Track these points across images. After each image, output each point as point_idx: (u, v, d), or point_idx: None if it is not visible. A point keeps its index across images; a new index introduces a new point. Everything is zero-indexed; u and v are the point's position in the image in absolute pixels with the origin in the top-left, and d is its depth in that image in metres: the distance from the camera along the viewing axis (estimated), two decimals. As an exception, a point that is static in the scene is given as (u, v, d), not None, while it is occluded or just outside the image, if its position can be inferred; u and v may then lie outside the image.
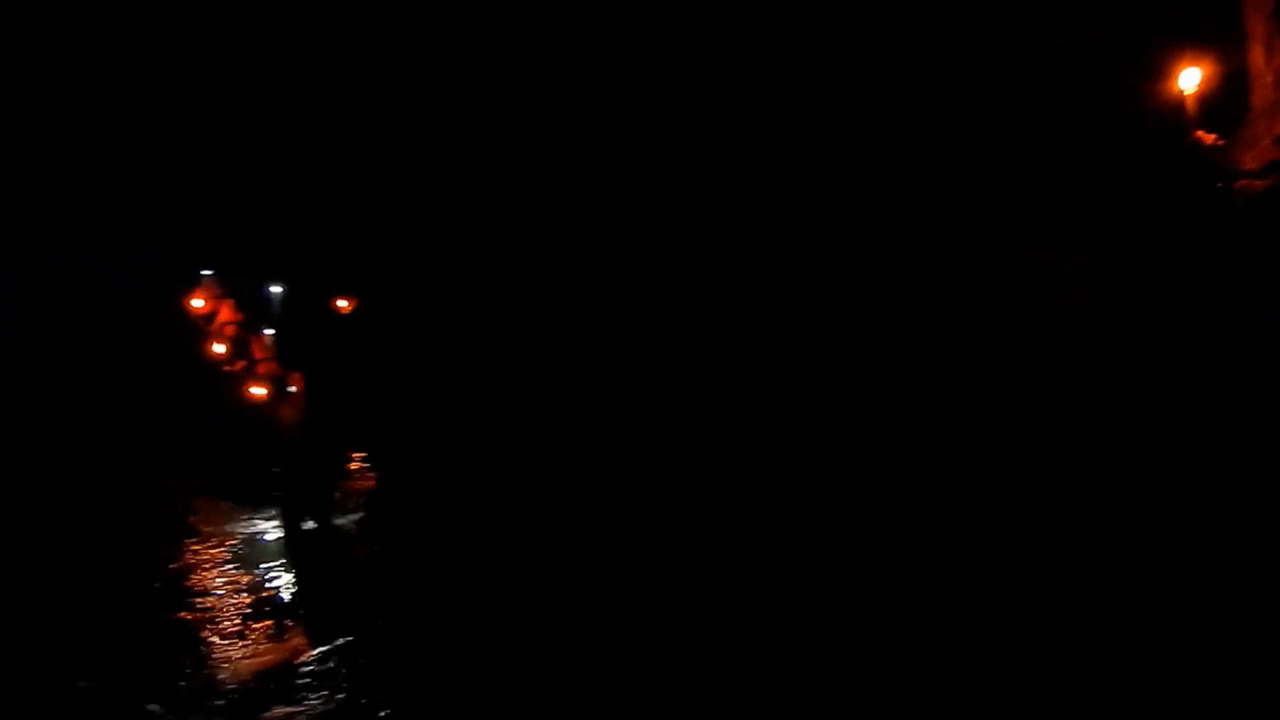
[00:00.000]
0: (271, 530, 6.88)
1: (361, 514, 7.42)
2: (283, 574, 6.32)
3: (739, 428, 8.89)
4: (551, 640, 5.30)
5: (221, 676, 5.14)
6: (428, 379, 10.69)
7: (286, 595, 6.08)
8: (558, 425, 9.23)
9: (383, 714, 4.57)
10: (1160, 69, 8.90)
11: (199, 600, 6.19)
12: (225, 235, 12.69)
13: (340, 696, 4.77)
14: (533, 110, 14.41)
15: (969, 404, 8.34)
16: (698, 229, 13.26)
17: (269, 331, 9.18)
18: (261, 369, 7.54)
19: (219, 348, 9.20)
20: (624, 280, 12.91)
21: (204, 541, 7.19)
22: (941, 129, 11.22)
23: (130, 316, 11.24)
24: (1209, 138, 8.46)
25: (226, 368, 9.03)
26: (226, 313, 9.62)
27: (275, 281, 10.35)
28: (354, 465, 8.51)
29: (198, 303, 10.07)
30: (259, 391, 6.20)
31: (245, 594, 6.19)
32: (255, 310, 9.74)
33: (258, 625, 5.74)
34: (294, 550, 6.31)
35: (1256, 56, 8.07)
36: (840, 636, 5.10)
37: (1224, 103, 8.62)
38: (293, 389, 6.10)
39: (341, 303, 11.28)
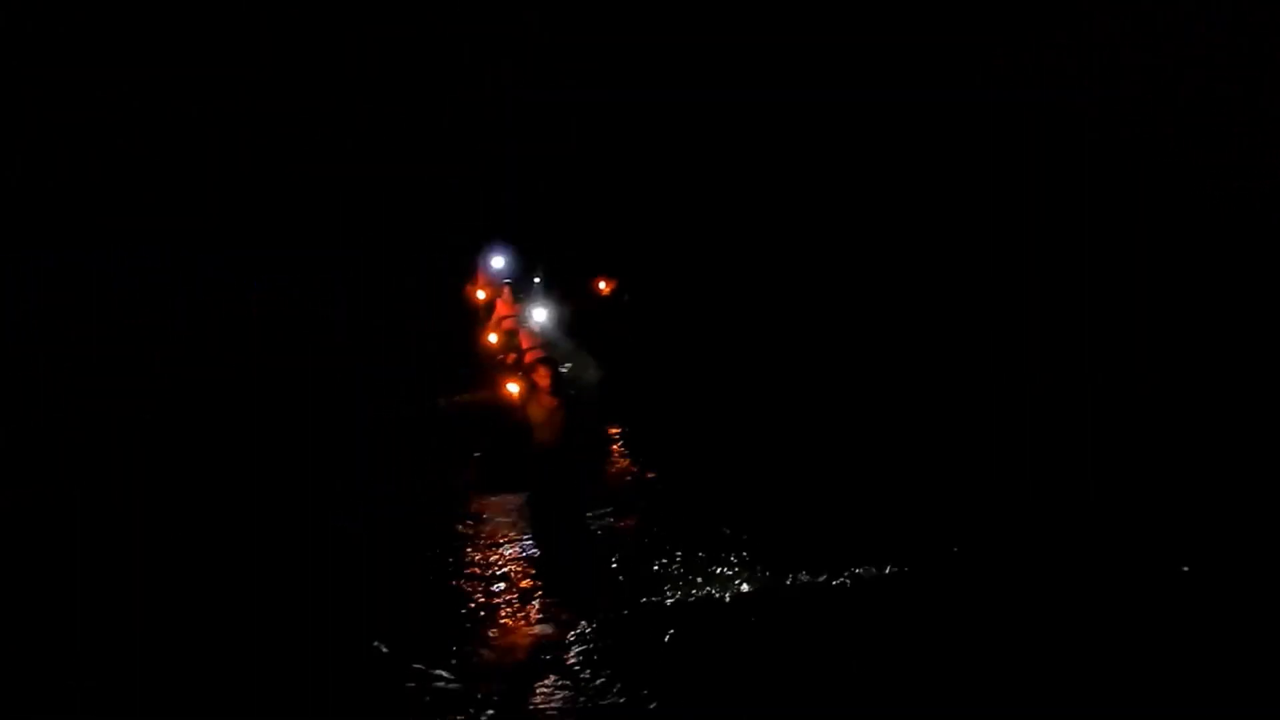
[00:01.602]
0: (534, 511, 6.89)
1: (623, 496, 7.47)
2: (544, 554, 6.37)
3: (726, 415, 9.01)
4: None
5: (497, 648, 5.31)
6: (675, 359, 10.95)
7: (551, 575, 6.14)
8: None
9: (648, 690, 4.69)
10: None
11: (469, 573, 6.32)
12: (222, 235, 12.72)
13: (609, 673, 4.87)
14: (533, 110, 14.46)
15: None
16: (695, 227, 13.30)
17: (538, 317, 9.25)
18: (529, 357, 7.59)
19: (494, 338, 9.34)
20: (624, 277, 12.95)
21: (469, 523, 7.30)
22: (941, 129, 11.24)
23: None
24: None
25: (499, 358, 9.14)
26: (503, 306, 9.78)
27: (540, 266, 10.44)
28: (614, 448, 8.58)
29: (480, 294, 10.26)
30: (534, 382, 6.23)
31: (511, 573, 6.27)
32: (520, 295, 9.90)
33: (525, 603, 5.83)
34: (553, 532, 6.31)
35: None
36: (838, 630, 5.12)
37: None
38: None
39: (601, 284, 11.54)
